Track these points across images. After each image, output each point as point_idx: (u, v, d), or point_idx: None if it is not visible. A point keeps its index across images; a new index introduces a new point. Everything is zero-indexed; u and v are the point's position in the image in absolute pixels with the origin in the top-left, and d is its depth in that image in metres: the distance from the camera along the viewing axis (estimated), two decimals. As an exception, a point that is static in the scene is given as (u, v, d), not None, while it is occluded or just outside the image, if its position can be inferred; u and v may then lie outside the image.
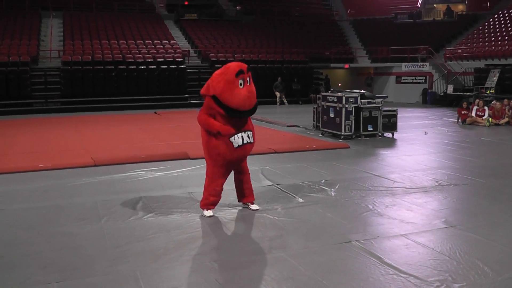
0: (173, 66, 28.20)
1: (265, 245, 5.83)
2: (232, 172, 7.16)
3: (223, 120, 6.64)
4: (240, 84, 6.53)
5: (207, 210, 6.96)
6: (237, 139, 6.66)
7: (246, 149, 6.80)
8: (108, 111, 24.46)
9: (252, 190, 7.33)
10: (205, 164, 7.08)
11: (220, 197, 7.04)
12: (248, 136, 6.80)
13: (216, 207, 7.07)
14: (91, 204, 7.61)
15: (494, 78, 25.51)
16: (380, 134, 14.98)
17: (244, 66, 6.68)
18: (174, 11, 35.94)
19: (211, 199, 6.94)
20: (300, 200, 7.81)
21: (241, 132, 6.72)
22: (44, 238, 6.12)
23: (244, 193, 7.26)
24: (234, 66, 6.61)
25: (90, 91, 26.33)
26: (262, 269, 5.16)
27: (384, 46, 33.45)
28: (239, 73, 6.53)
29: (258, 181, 9.04)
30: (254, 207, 7.25)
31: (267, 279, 4.92)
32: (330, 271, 5.09)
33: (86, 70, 26.45)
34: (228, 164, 6.85)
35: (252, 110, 6.79)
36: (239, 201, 7.36)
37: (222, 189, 7.00)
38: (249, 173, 7.30)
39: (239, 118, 6.69)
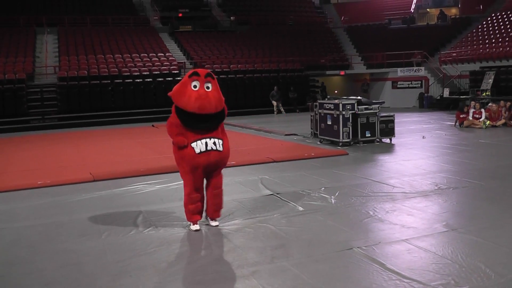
0: (169, 79, 28.24)
1: (267, 255, 5.82)
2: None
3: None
4: (194, 86, 6.50)
5: (193, 224, 6.87)
6: (200, 145, 6.55)
7: (210, 155, 6.59)
8: (105, 126, 24.48)
9: (220, 208, 7.10)
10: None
11: (199, 203, 6.84)
12: (215, 143, 6.64)
13: (202, 216, 6.98)
14: (91, 220, 7.60)
15: (490, 80, 25.59)
16: (378, 140, 14.98)
17: (203, 70, 6.69)
18: (169, 23, 36.08)
19: (189, 207, 6.79)
20: (301, 208, 7.81)
21: (205, 138, 6.59)
22: (45, 255, 6.11)
23: (212, 208, 7.00)
24: (192, 70, 6.69)
25: (87, 106, 26.37)
26: (265, 279, 5.15)
27: (379, 52, 33.55)
28: (193, 74, 6.56)
29: (258, 191, 9.04)
30: (213, 223, 7.05)
31: (270, 289, 4.91)
32: (333, 278, 5.08)
33: (82, 85, 26.50)
34: (194, 171, 6.66)
35: (210, 116, 6.62)
36: (205, 213, 7.12)
37: (197, 195, 6.80)
38: (221, 189, 7.04)
39: (196, 126, 6.57)
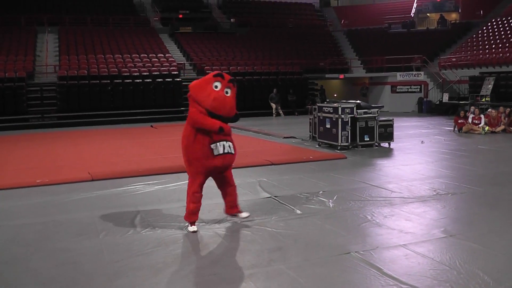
0: (169, 79, 28.25)
1: (265, 258, 5.82)
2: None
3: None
4: (215, 87, 6.58)
5: (191, 226, 6.89)
6: (218, 147, 6.63)
7: (225, 158, 6.73)
8: (104, 125, 24.47)
9: (237, 202, 7.25)
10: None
11: (199, 204, 6.91)
12: (229, 147, 6.76)
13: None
14: (89, 219, 7.59)
15: (489, 86, 25.59)
16: (376, 144, 14.98)
17: (227, 75, 6.75)
18: (169, 24, 36.07)
19: (191, 207, 6.83)
20: (298, 211, 7.80)
21: (222, 140, 6.69)
22: (42, 254, 6.10)
23: (228, 205, 7.20)
24: (217, 71, 6.77)
25: (86, 105, 26.36)
26: (262, 282, 5.14)
27: (379, 56, 33.54)
28: (218, 75, 6.66)
29: (256, 193, 9.04)
30: (243, 214, 7.25)
31: (267, 292, 4.91)
32: (330, 283, 5.08)
33: (82, 85, 26.49)
34: (206, 171, 6.78)
35: (229, 119, 6.78)
36: (225, 213, 7.31)
37: (201, 195, 6.89)
38: (235, 186, 7.25)
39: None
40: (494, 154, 13.60)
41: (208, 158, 6.61)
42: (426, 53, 32.65)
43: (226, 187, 7.11)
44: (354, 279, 5.16)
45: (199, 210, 6.94)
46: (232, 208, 7.21)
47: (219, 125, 6.52)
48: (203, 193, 6.92)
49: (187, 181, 6.98)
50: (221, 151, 6.64)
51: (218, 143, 6.63)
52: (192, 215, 6.89)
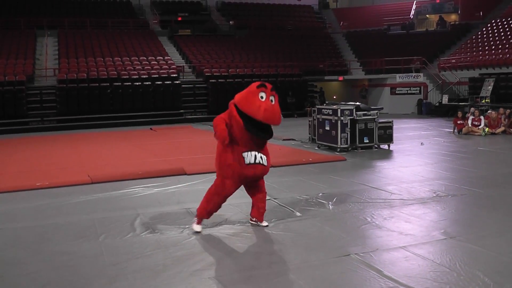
0: (168, 82, 28.26)
1: (265, 260, 5.81)
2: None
3: (239, 134, 6.65)
4: (261, 97, 6.59)
5: (197, 224, 6.95)
6: (250, 156, 6.70)
7: (256, 168, 6.79)
8: (103, 128, 24.49)
9: (264, 211, 7.26)
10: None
11: (219, 208, 7.01)
12: (261, 158, 6.82)
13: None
14: (89, 222, 7.59)
15: (489, 87, 25.59)
16: (376, 146, 14.98)
17: (269, 84, 6.78)
18: (168, 27, 36.06)
19: (209, 208, 6.90)
20: (298, 214, 7.80)
21: (254, 151, 6.75)
22: (42, 257, 6.09)
23: (259, 211, 7.19)
24: (257, 82, 6.82)
25: (85, 108, 26.38)
26: (262, 284, 5.13)
27: (378, 58, 33.54)
28: (261, 86, 6.68)
29: (256, 196, 9.03)
30: (264, 223, 7.21)
31: (267, 295, 4.90)
32: (330, 285, 5.07)
33: (81, 88, 26.51)
34: (236, 178, 6.81)
35: (270, 130, 6.84)
36: (251, 215, 7.29)
37: (224, 201, 6.97)
38: (265, 193, 7.31)
39: (255, 135, 6.67)
40: (494, 156, 13.59)
41: (240, 165, 6.67)
42: (426, 54, 32.63)
43: (258, 192, 7.17)
44: (354, 281, 5.15)
45: (215, 212, 7.01)
46: (260, 215, 7.20)
47: (223, 138, 6.54)
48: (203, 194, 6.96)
49: (213, 182, 7.01)
50: (252, 161, 6.71)
51: (249, 152, 6.71)
52: (205, 214, 6.97)
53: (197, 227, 6.92)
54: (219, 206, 7.00)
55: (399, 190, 9.29)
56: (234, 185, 6.90)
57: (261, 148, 6.87)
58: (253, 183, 7.07)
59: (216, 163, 6.96)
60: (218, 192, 6.88)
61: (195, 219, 7.02)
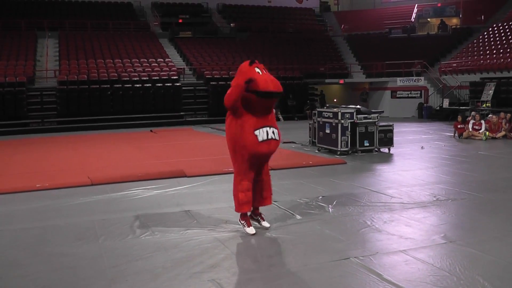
0: (168, 84, 28.30)
1: (264, 263, 5.81)
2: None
3: (250, 112, 6.67)
4: (259, 72, 6.64)
5: (247, 226, 6.89)
6: (262, 133, 6.66)
7: (271, 144, 6.75)
8: (104, 130, 24.49)
9: (271, 194, 7.25)
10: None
11: (249, 193, 6.84)
12: (273, 132, 6.79)
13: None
14: (88, 224, 7.58)
15: (490, 91, 25.58)
16: (376, 149, 14.97)
17: (255, 60, 6.82)
18: (169, 29, 36.11)
19: (240, 197, 6.80)
20: (298, 217, 7.79)
21: (266, 127, 6.72)
22: (41, 258, 6.09)
23: (262, 195, 7.12)
24: (245, 62, 6.86)
25: (86, 110, 26.40)
26: (261, 287, 5.13)
27: (379, 61, 33.59)
28: (252, 62, 6.73)
29: (256, 198, 9.01)
30: (265, 224, 7.15)
31: (266, 298, 4.89)
32: (329, 288, 5.07)
33: (82, 90, 26.55)
34: (253, 159, 6.76)
35: (280, 94, 6.79)
36: (253, 205, 7.13)
37: (249, 184, 6.85)
38: (270, 176, 7.25)
39: (270, 99, 6.71)
40: (494, 160, 13.58)
41: (254, 145, 6.62)
42: (427, 58, 32.67)
43: (263, 175, 7.08)
44: (353, 285, 5.14)
45: (249, 200, 6.86)
46: (266, 199, 7.15)
47: (245, 79, 6.54)
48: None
49: (233, 179, 6.99)
50: (265, 137, 6.66)
51: (261, 129, 6.66)
52: (241, 206, 6.86)
53: (249, 230, 6.84)
54: (249, 191, 6.85)
55: (399, 194, 9.28)
56: (252, 165, 6.83)
57: (270, 121, 6.81)
58: (262, 164, 7.02)
59: (229, 148, 6.95)
60: (240, 176, 6.84)
61: (242, 222, 6.96)
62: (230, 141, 6.89)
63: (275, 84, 6.67)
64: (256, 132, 6.64)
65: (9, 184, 10.69)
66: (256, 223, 7.16)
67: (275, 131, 6.85)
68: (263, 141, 6.66)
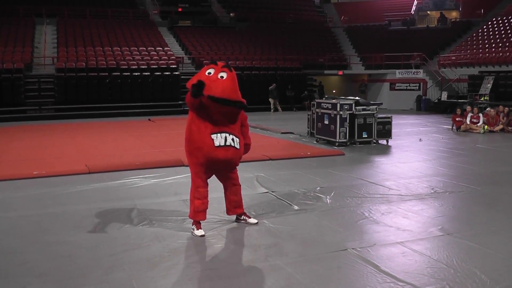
0: (167, 73, 28.21)
1: (261, 253, 5.80)
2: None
3: (207, 114, 6.37)
4: (208, 73, 6.36)
5: (197, 229, 6.53)
6: (220, 138, 6.38)
7: (228, 151, 6.43)
8: (102, 118, 24.40)
9: (242, 203, 7.00)
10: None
11: (205, 200, 6.58)
12: (233, 140, 6.48)
13: (206, 217, 6.68)
14: (86, 212, 7.57)
15: (488, 85, 25.59)
16: (374, 141, 14.97)
17: (221, 63, 6.56)
18: (168, 18, 35.97)
19: (196, 203, 6.50)
20: (296, 207, 7.79)
21: (225, 132, 6.44)
22: (38, 246, 6.08)
23: (232, 205, 6.91)
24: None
25: (84, 98, 26.31)
26: (258, 278, 5.13)
27: (378, 53, 33.51)
28: (211, 63, 6.52)
29: (253, 188, 9.02)
30: (252, 220, 6.97)
31: (263, 288, 4.89)
32: (326, 279, 5.06)
33: (80, 77, 26.44)
34: (208, 163, 6.47)
35: (230, 102, 6.35)
36: (227, 214, 7.03)
37: (205, 190, 6.58)
38: (240, 185, 6.97)
39: (219, 104, 6.24)
40: (492, 153, 13.60)
41: (210, 148, 6.34)
42: (426, 51, 32.61)
43: (230, 186, 6.85)
44: (350, 276, 5.15)
45: (206, 208, 6.59)
46: (236, 208, 6.93)
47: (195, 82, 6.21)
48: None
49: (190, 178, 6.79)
50: (222, 143, 6.37)
51: (219, 134, 6.37)
52: (197, 213, 6.52)
53: (198, 232, 6.48)
54: (205, 198, 6.58)
55: (397, 186, 9.29)
56: (208, 169, 6.58)
57: (232, 127, 6.53)
58: (226, 173, 6.78)
59: (186, 151, 6.65)
60: (195, 181, 6.58)
61: (193, 226, 6.61)
62: (186, 141, 6.60)
63: (211, 87, 6.21)
64: (213, 136, 6.37)
65: (6, 171, 10.66)
66: (244, 222, 7.01)
67: (236, 140, 6.53)
68: (219, 146, 6.37)
